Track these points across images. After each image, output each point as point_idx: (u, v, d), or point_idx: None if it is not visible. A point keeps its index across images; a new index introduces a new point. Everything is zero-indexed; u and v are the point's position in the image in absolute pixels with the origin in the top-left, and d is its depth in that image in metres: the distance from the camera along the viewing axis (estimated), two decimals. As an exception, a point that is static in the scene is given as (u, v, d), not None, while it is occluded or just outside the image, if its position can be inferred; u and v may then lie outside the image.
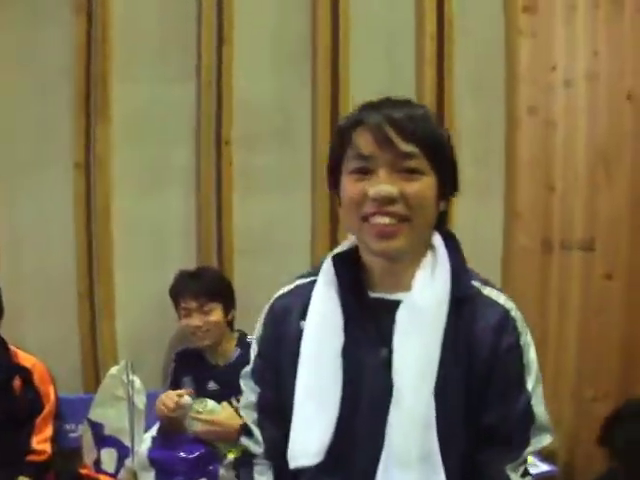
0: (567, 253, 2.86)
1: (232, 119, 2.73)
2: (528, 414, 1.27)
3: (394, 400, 1.22)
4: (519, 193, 3.03)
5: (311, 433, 1.27)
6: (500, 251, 3.10)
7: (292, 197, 2.81)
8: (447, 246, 1.31)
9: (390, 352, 1.24)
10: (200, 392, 2.38)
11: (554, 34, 2.92)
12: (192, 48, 2.71)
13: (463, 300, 1.26)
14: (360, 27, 2.86)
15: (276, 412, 1.37)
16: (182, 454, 2.26)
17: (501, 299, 1.29)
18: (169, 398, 2.25)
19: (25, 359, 2.32)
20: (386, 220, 1.21)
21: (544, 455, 2.84)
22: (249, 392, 1.43)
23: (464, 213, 3.00)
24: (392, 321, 1.25)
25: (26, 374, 2.28)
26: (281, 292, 1.43)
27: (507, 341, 1.25)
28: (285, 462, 1.33)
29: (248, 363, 1.44)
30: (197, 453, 2.25)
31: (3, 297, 2.31)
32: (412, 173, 1.22)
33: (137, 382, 2.50)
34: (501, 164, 3.06)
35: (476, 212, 3.04)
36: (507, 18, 3.03)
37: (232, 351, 2.50)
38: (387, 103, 1.27)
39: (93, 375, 2.68)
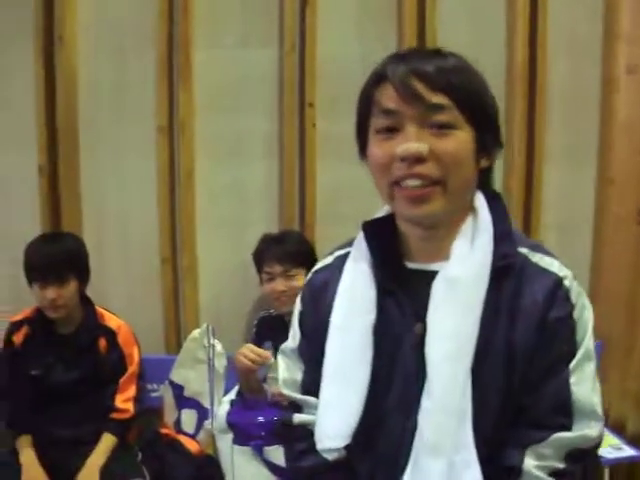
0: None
1: (315, 82, 2.67)
2: (562, 394, 1.11)
3: (427, 386, 1.11)
4: (614, 159, 2.87)
5: (337, 415, 1.19)
6: (592, 219, 2.97)
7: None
8: (491, 208, 1.18)
9: (425, 328, 1.13)
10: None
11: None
12: (275, 11, 2.65)
13: (506, 270, 1.13)
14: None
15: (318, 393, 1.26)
16: (260, 418, 2.24)
17: (554, 266, 1.14)
18: (250, 350, 2.16)
19: (111, 320, 2.38)
20: (417, 182, 1.09)
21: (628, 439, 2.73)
22: (294, 369, 1.31)
23: (555, 179, 2.89)
24: (428, 294, 1.13)
25: (111, 335, 2.35)
26: (320, 265, 1.33)
27: (557, 313, 1.11)
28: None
29: None
30: (276, 418, 2.26)
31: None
32: (444, 128, 1.09)
33: (218, 346, 2.54)
34: (595, 128, 2.91)
35: (568, 178, 2.91)
36: (607, -29, 2.85)
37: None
38: (414, 54, 1.15)
39: (174, 337, 2.72)
